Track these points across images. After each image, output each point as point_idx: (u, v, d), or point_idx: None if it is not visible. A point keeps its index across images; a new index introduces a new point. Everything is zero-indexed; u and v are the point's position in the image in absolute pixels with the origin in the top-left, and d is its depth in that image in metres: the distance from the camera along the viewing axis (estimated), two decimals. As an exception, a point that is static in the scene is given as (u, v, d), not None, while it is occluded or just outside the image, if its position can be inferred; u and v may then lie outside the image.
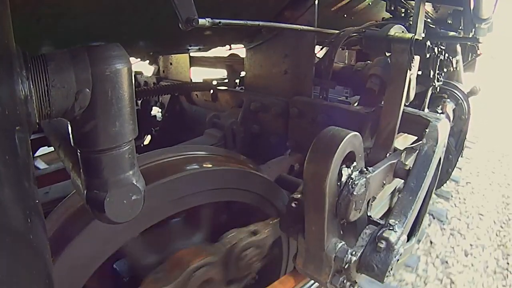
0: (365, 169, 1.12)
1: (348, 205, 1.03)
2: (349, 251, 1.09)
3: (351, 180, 1.04)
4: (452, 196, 4.00)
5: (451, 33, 2.27)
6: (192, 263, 1.16)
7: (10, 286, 0.45)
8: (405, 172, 1.30)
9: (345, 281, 1.14)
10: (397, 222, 1.15)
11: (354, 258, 1.08)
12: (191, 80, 2.66)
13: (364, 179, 1.07)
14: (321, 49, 2.16)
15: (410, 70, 1.37)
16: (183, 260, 1.18)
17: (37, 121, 0.59)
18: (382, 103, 1.51)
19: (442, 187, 3.80)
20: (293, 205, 1.19)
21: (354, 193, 1.03)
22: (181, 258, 1.20)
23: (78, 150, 0.67)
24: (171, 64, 2.78)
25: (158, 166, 1.21)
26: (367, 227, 1.22)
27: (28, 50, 0.59)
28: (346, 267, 1.08)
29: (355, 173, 1.06)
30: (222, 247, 1.25)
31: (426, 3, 1.76)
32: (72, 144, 0.67)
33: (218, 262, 1.23)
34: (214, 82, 2.59)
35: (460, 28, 2.49)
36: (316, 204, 1.01)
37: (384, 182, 1.27)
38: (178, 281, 1.11)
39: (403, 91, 1.40)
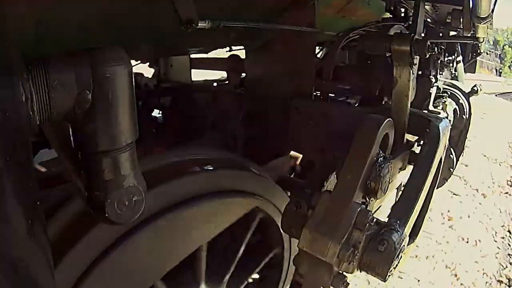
0: (388, 156, 1.23)
1: (377, 183, 1.14)
2: (370, 213, 1.10)
3: (378, 164, 1.16)
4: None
5: (451, 33, 2.26)
6: None
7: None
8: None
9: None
10: (399, 221, 1.15)
11: (373, 226, 1.11)
12: (191, 81, 2.66)
13: (388, 163, 1.18)
14: (321, 49, 2.16)
15: (411, 69, 1.38)
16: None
17: (38, 123, 0.59)
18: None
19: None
20: (295, 205, 1.19)
21: (381, 174, 1.14)
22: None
23: (79, 152, 0.67)
24: (171, 66, 2.79)
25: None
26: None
27: (28, 52, 0.59)
28: (365, 229, 1.09)
29: (381, 159, 1.18)
30: None
31: (426, 3, 1.76)
32: (73, 146, 0.67)
33: None
34: (215, 84, 2.59)
35: (460, 27, 2.49)
36: (362, 151, 1.12)
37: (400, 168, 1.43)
38: None
39: (409, 89, 1.40)
